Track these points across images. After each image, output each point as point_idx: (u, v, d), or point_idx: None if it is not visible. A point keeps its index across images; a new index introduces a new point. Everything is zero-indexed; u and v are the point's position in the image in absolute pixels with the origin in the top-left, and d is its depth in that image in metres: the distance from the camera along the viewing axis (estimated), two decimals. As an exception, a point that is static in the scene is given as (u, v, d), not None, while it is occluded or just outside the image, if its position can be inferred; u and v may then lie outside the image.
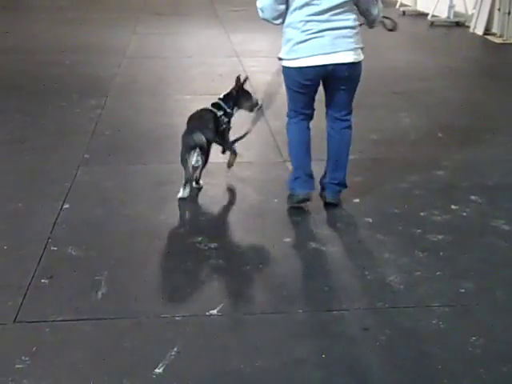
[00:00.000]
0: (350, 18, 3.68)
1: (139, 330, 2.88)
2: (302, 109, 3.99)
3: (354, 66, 3.74)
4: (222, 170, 4.72)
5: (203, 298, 3.13)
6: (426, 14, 12.06)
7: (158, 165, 4.82)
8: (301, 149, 4.05)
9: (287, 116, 4.08)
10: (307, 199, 4.02)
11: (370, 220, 3.96)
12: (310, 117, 4.06)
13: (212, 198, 4.27)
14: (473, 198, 4.30)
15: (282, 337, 2.86)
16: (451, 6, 11.61)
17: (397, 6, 13.51)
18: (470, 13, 11.32)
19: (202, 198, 4.24)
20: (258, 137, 5.45)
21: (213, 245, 3.63)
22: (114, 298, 3.11)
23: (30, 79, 7.19)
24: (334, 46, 3.65)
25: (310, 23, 3.62)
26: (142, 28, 10.35)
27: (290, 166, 4.79)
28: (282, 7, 3.69)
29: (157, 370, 2.61)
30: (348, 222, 3.96)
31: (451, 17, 11.69)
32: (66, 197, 4.17)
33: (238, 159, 4.94)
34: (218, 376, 2.61)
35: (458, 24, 11.56)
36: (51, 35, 9.73)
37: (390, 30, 4.27)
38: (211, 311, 3.02)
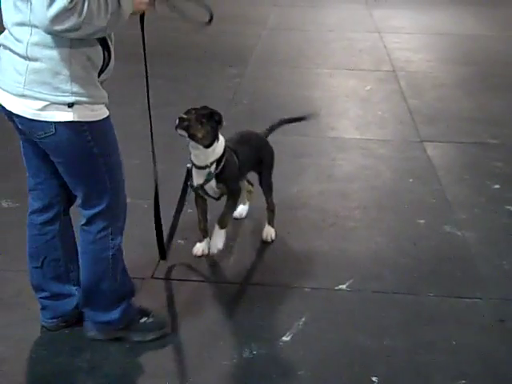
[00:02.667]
0: (24, 41, 2.06)
1: (269, 298, 2.93)
2: (30, 184, 2.49)
3: (32, 124, 2.16)
4: (357, 146, 4.68)
5: (333, 273, 3.13)
6: None
7: (294, 136, 4.82)
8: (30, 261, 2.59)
9: None
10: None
11: (511, 208, 3.79)
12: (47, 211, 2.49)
13: (347, 174, 4.24)
14: None
15: (411, 318, 2.82)
16: None
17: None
18: None
19: (336, 174, 4.23)
20: (394, 114, 5.36)
21: (343, 220, 3.63)
22: (244, 265, 3.17)
23: (175, 47, 7.42)
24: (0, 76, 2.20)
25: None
26: (284, 0, 10.37)
27: (427, 145, 4.69)
28: None
29: (284, 338, 2.66)
30: (486, 208, 3.80)
31: None
32: (204, 162, 4.28)
33: (373, 136, 4.89)
34: (344, 350, 2.62)
35: None
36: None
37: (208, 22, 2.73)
38: (340, 286, 3.03)
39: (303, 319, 2.78)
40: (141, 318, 2.62)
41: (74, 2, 1.90)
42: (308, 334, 2.70)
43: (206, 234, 3.23)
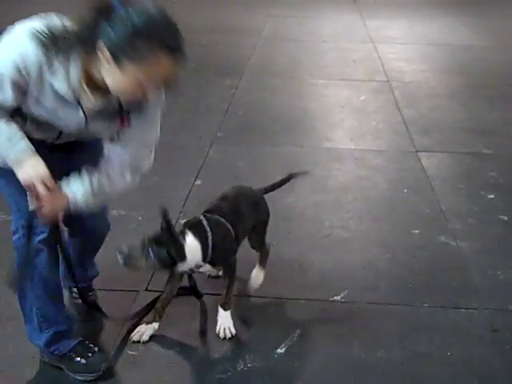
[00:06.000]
0: None
1: (263, 310, 2.93)
2: None
3: None
4: (351, 156, 4.68)
5: (328, 284, 3.12)
6: None
7: (289, 147, 4.85)
8: None
9: None
10: None
11: (506, 218, 3.79)
12: None
13: (342, 185, 4.24)
14: None
15: (406, 329, 2.81)
16: None
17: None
18: None
19: (331, 185, 4.22)
20: (389, 125, 5.37)
21: (338, 231, 3.63)
22: (238, 277, 3.10)
23: (169, 57, 7.42)
24: None
25: None
26: (278, 10, 10.40)
27: (422, 156, 4.69)
28: None
29: (279, 350, 2.65)
30: (481, 218, 3.80)
31: None
32: (199, 173, 4.29)
33: (368, 147, 4.90)
34: (339, 362, 2.61)
35: None
36: (190, 15, 9.93)
37: None
38: (335, 297, 3.02)
39: (298, 331, 2.77)
40: (76, 356, 2.48)
41: None
42: (303, 346, 2.70)
43: (160, 317, 2.70)
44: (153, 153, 2.34)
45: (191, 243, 2.52)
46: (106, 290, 2.97)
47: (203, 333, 2.76)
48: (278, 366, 2.57)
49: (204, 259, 2.56)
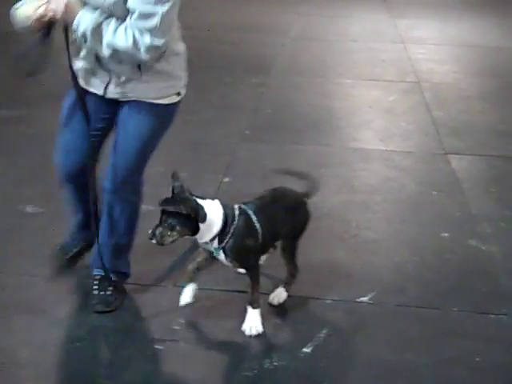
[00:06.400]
0: None
1: (290, 309, 2.91)
2: None
3: None
4: (380, 157, 4.65)
5: (355, 285, 3.11)
6: None
7: (315, 146, 4.82)
8: None
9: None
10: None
11: (537, 223, 3.75)
12: None
13: (370, 185, 4.21)
14: None
15: (434, 333, 2.78)
16: None
17: None
18: None
19: (358, 185, 4.20)
20: (419, 126, 5.33)
21: (366, 232, 3.60)
22: (265, 275, 3.06)
23: (198, 55, 7.36)
24: None
25: None
26: (306, 9, 10.35)
27: (452, 158, 4.65)
28: None
29: (305, 350, 2.64)
30: (512, 222, 3.77)
31: None
32: (227, 170, 4.29)
33: (397, 148, 4.86)
34: (365, 363, 2.59)
35: None
36: (220, 14, 9.97)
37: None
38: (362, 298, 3.00)
39: (324, 331, 2.75)
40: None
41: None
42: (329, 346, 2.68)
43: (191, 279, 2.76)
44: (159, 39, 2.53)
45: (214, 205, 2.57)
46: (134, 284, 2.98)
47: (230, 330, 2.76)
48: (304, 366, 2.56)
49: (220, 241, 2.55)
